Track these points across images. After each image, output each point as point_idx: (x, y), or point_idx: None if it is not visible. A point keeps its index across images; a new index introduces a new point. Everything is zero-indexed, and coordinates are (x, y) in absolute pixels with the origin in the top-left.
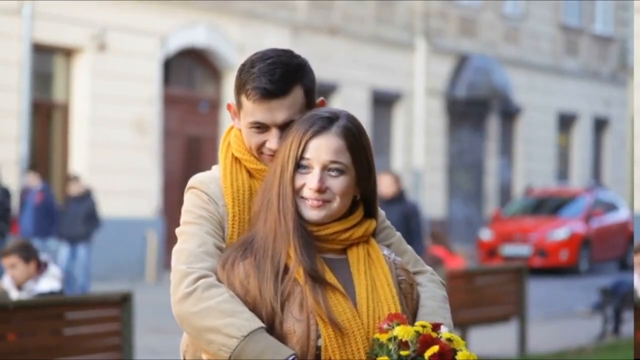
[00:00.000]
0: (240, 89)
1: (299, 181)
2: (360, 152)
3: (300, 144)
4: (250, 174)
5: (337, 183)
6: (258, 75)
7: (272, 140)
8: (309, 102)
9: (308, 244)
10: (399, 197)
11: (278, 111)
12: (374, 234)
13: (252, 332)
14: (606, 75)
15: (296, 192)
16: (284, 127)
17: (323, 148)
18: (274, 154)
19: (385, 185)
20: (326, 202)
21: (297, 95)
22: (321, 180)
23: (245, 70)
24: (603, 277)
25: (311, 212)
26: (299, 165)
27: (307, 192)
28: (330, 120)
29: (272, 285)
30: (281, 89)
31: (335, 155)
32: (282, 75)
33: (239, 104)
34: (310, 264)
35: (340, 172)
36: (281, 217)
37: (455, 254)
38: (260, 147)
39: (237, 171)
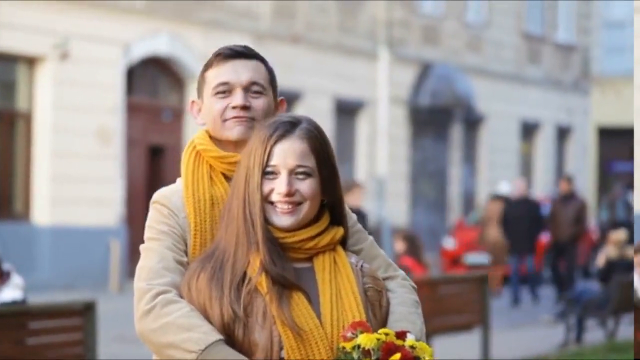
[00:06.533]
0: (205, 69)
1: (267, 187)
2: (324, 155)
3: (265, 150)
4: (211, 178)
5: (305, 186)
6: (222, 49)
7: (236, 97)
8: (273, 89)
9: (277, 252)
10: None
11: (243, 70)
12: (344, 240)
13: (209, 345)
14: (569, 83)
15: (264, 198)
16: (247, 90)
17: (288, 152)
18: (237, 116)
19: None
20: (296, 205)
21: (260, 67)
22: (289, 184)
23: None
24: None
25: (282, 218)
26: (265, 172)
27: (276, 197)
28: (292, 124)
29: (234, 293)
30: (245, 51)
31: (300, 159)
32: (245, 47)
33: (203, 82)
34: (280, 271)
35: (307, 175)
36: (247, 225)
37: (424, 265)
38: (223, 113)
39: (198, 180)
